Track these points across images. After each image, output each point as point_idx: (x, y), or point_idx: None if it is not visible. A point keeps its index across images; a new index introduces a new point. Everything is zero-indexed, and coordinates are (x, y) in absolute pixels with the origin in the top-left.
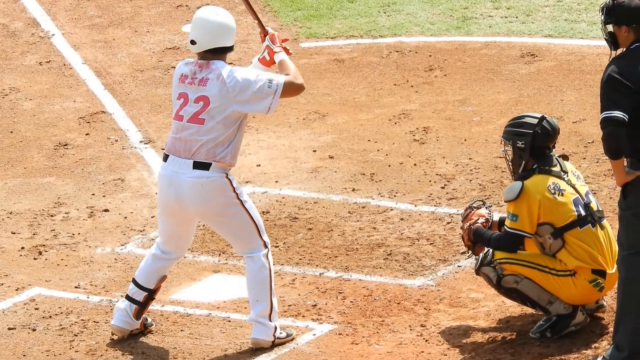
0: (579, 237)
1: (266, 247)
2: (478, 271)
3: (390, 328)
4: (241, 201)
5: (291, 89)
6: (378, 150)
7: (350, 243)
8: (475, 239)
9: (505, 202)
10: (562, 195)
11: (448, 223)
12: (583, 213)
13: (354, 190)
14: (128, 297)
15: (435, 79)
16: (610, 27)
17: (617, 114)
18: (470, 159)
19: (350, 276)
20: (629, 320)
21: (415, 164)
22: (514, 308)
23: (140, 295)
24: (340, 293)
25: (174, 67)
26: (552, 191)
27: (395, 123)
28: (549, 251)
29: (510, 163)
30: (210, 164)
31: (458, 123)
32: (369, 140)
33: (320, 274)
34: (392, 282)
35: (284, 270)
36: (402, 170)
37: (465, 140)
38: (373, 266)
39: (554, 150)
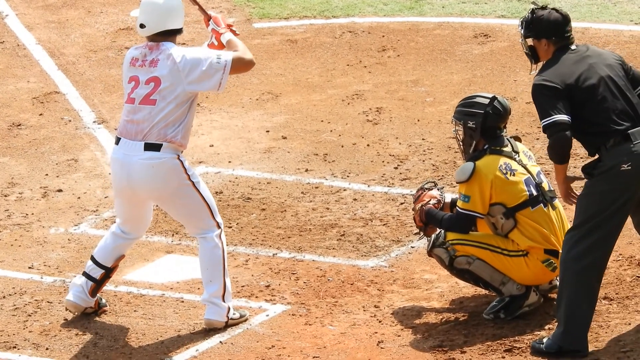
0: (531, 217)
1: (219, 227)
2: (430, 252)
3: (344, 309)
4: (193, 182)
5: (241, 64)
6: (331, 130)
7: (304, 223)
8: (427, 220)
9: (457, 183)
10: (514, 175)
11: (401, 204)
12: (535, 193)
13: (307, 170)
14: (85, 274)
15: (388, 60)
16: (530, 41)
17: (559, 117)
18: (423, 139)
19: (303, 257)
20: (565, 296)
21: (368, 145)
22: (467, 289)
23: (97, 273)
24: (293, 274)
25: (128, 48)
26: (504, 171)
27: (349, 104)
28: (501, 232)
29: (461, 143)
30: (161, 145)
31: (411, 104)
32: (322, 121)
33: (273, 254)
34: (346, 262)
35: (237, 250)
36: (355, 150)
37: (418, 120)
38: (326, 247)
39: (505, 130)
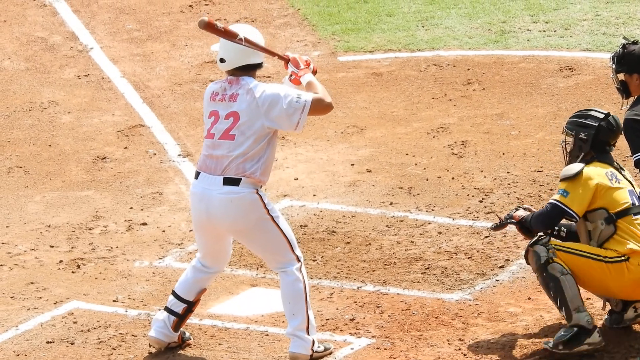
0: (632, 223)
1: (299, 261)
2: (530, 248)
3: (429, 342)
4: (272, 217)
5: (319, 107)
6: (416, 164)
7: (388, 257)
8: (520, 226)
9: (560, 180)
10: (619, 183)
11: (486, 237)
12: (637, 203)
13: (391, 204)
14: (167, 309)
15: (473, 93)
16: (621, 76)
17: None
18: (508, 172)
19: (388, 290)
20: None
21: (453, 178)
22: (552, 322)
23: (179, 307)
24: (378, 307)
25: (212, 81)
26: (609, 177)
27: (434, 137)
28: (597, 241)
29: (568, 155)
30: (240, 179)
31: (496, 137)
32: (407, 154)
33: (358, 287)
34: (430, 296)
35: (321, 284)
36: (440, 184)
37: (503, 154)
38: (411, 280)
39: (613, 149)
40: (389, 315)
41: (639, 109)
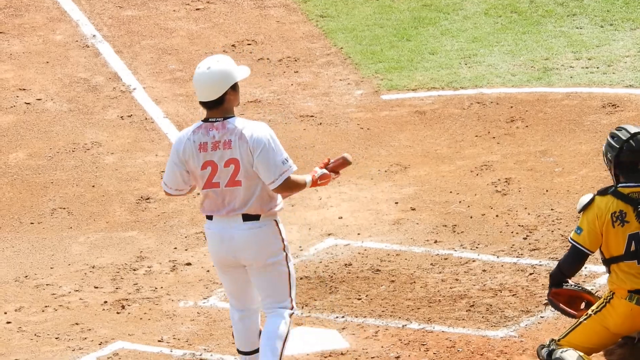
0: (621, 268)
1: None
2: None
3: None
4: (287, 254)
5: (292, 185)
6: (460, 201)
7: (433, 295)
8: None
9: (578, 211)
10: (622, 226)
11: (530, 274)
12: (633, 248)
13: (436, 242)
14: None
15: (516, 130)
16: None
17: None
18: (552, 209)
19: (433, 328)
20: None
21: (497, 215)
22: (597, 357)
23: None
24: (423, 345)
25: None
26: (614, 219)
27: (477, 174)
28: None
29: (608, 169)
30: (259, 215)
31: (540, 174)
32: (450, 192)
33: (403, 325)
34: (475, 333)
35: (366, 322)
36: (484, 221)
37: (547, 191)
38: (456, 318)
39: None
40: (434, 353)
41: None
